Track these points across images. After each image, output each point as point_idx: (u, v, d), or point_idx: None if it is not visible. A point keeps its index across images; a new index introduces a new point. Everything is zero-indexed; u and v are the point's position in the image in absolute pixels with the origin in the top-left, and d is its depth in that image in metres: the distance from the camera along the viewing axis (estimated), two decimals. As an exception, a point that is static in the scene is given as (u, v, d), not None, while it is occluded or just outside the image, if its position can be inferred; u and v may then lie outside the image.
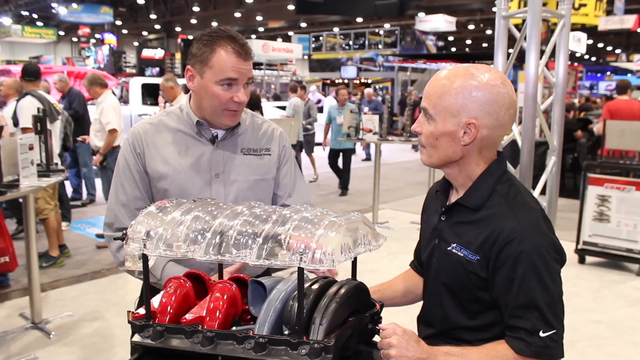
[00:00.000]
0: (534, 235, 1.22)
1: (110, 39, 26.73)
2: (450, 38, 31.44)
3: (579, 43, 18.10)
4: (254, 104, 8.65)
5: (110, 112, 5.39)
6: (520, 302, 1.20)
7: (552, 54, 3.59)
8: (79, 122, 6.47)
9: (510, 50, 3.61)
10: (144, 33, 34.14)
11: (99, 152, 5.45)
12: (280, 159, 1.77)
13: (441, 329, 1.38)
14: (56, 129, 5.24)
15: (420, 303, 1.52)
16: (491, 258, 1.24)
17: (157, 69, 22.61)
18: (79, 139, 6.44)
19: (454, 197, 1.38)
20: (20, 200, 3.85)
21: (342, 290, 1.15)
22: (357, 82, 27.64)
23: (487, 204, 1.29)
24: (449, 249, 1.32)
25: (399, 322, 1.21)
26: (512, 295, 1.21)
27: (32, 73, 5.23)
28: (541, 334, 1.18)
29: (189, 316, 1.16)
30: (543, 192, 3.66)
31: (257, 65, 20.90)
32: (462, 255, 1.29)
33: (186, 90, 7.04)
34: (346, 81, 28.02)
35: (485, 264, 1.25)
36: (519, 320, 1.21)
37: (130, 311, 1.19)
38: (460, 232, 1.32)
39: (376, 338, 1.28)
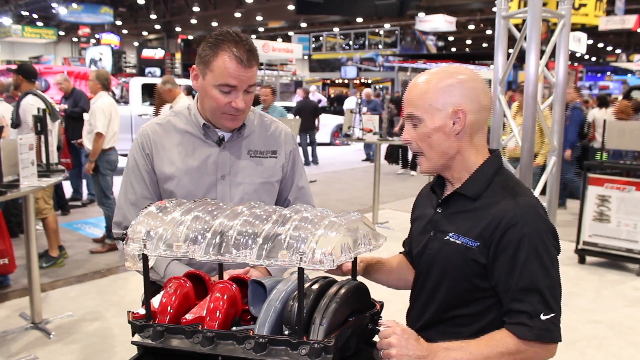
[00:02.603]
0: (535, 220, 1.25)
1: (112, 39, 26.71)
2: (450, 38, 31.42)
3: (579, 43, 18.10)
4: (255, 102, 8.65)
5: (99, 115, 5.09)
6: (522, 285, 1.22)
7: (552, 54, 3.59)
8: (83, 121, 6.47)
9: (510, 50, 3.61)
10: (144, 33, 34.12)
11: (88, 160, 5.21)
12: (287, 162, 1.76)
13: (433, 320, 1.39)
14: (55, 129, 5.24)
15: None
16: (493, 243, 1.26)
17: (159, 70, 22.61)
18: (75, 142, 6.43)
19: (449, 191, 1.40)
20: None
21: (342, 290, 1.15)
22: (357, 82, 27.64)
23: (485, 193, 1.32)
24: (446, 238, 1.34)
25: (398, 320, 1.21)
26: (514, 278, 1.23)
27: (34, 74, 5.26)
28: (542, 317, 1.21)
29: (189, 316, 1.17)
30: (543, 192, 3.66)
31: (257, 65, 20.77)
32: (460, 243, 1.31)
33: (187, 91, 7.02)
34: (346, 81, 28.05)
35: (486, 250, 1.27)
36: (521, 304, 1.22)
37: (130, 311, 1.19)
38: (457, 221, 1.34)
39: (376, 338, 1.28)
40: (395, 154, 10.86)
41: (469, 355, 1.19)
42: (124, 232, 1.20)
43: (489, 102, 1.36)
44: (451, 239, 1.32)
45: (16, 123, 5.01)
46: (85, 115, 5.79)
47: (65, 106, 6.75)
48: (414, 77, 1.39)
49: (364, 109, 11.41)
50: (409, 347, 1.15)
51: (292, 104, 15.46)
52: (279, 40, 27.59)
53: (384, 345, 1.17)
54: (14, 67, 12.41)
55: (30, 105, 4.81)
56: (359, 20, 25.31)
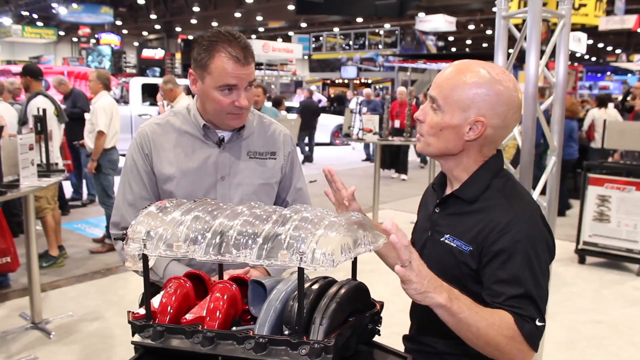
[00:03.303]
0: (529, 227, 1.23)
1: (113, 39, 26.71)
2: (451, 38, 31.41)
3: (579, 43, 18.10)
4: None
5: (100, 114, 5.12)
6: (516, 293, 1.19)
7: (552, 54, 3.59)
8: (83, 122, 6.47)
9: (510, 50, 3.60)
10: (144, 33, 34.11)
11: (90, 159, 5.24)
12: (286, 164, 1.76)
13: (429, 321, 1.37)
14: (60, 130, 5.27)
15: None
16: (484, 248, 1.24)
17: (158, 70, 22.62)
18: (77, 144, 6.42)
19: (449, 191, 1.39)
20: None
21: (342, 291, 1.15)
22: (357, 82, 27.64)
23: (482, 197, 1.30)
24: (441, 239, 1.33)
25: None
26: (506, 286, 1.20)
27: (40, 72, 5.29)
28: (537, 323, 1.18)
29: (189, 316, 1.17)
30: (543, 192, 3.66)
31: (257, 66, 20.78)
32: (454, 245, 1.29)
33: (188, 90, 7.02)
34: (346, 81, 28.04)
35: (478, 255, 1.25)
36: (518, 309, 1.19)
37: (130, 311, 1.19)
38: (454, 223, 1.32)
39: (376, 338, 1.28)
40: (389, 159, 10.46)
41: (474, 314, 1.14)
42: (124, 232, 1.20)
43: (515, 122, 1.30)
44: (446, 241, 1.31)
45: (23, 121, 5.08)
46: (86, 115, 5.80)
47: (64, 106, 6.75)
48: (456, 62, 1.30)
49: (364, 109, 11.42)
50: (426, 273, 1.10)
51: (292, 103, 15.57)
52: (279, 40, 27.59)
53: (406, 258, 1.07)
54: (14, 67, 12.41)
55: (39, 106, 4.83)
56: (359, 20, 25.30)
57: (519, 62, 10.44)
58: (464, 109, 1.25)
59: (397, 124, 8.68)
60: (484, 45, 33.00)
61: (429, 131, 1.30)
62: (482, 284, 1.26)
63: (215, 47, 1.51)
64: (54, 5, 24.36)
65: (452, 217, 1.34)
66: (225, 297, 1.15)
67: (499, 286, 1.21)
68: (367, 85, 24.93)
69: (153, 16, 28.04)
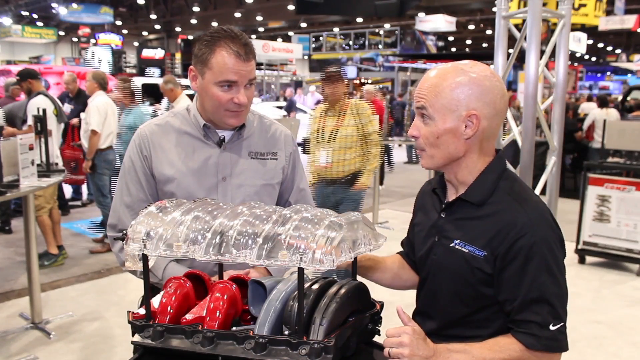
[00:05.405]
0: (544, 229, 1.23)
1: (113, 38, 26.73)
2: (450, 38, 31.41)
3: (579, 43, 18.12)
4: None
5: (93, 113, 5.12)
6: (532, 297, 1.21)
7: (552, 54, 3.59)
8: None
9: (510, 50, 3.60)
10: (144, 33, 34.13)
11: (85, 159, 5.23)
12: (287, 164, 1.75)
13: (439, 326, 1.37)
14: (59, 130, 5.26)
15: (413, 296, 1.51)
16: (500, 253, 1.24)
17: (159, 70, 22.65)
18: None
19: (452, 194, 1.37)
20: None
21: (342, 291, 1.15)
22: (357, 82, 27.64)
23: (490, 200, 1.29)
24: (451, 245, 1.31)
25: (399, 322, 1.21)
26: (522, 289, 1.21)
27: (37, 73, 5.30)
28: (551, 327, 1.19)
29: (189, 316, 1.17)
30: (543, 192, 3.66)
31: (257, 66, 20.77)
32: (466, 251, 1.28)
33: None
34: (346, 81, 28.02)
35: (493, 260, 1.25)
36: (530, 314, 1.20)
37: (130, 311, 1.19)
38: (463, 228, 1.31)
39: (376, 338, 1.28)
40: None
41: (472, 358, 1.18)
42: (124, 232, 1.20)
43: (505, 107, 1.30)
44: (457, 247, 1.30)
45: (23, 119, 5.09)
46: (82, 115, 5.81)
47: (71, 106, 6.71)
48: (431, 71, 1.32)
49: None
50: (419, 347, 1.14)
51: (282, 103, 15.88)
52: (279, 40, 27.61)
53: (394, 344, 1.14)
54: (14, 67, 12.42)
55: (39, 105, 4.84)
56: (359, 20, 25.31)
57: (519, 62, 10.46)
58: (453, 110, 1.25)
59: None
60: (484, 45, 33.01)
61: (426, 142, 1.30)
62: (496, 287, 1.26)
63: (216, 43, 1.51)
64: (54, 5, 24.36)
65: (460, 221, 1.33)
66: (225, 297, 1.15)
67: (515, 290, 1.23)
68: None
69: (153, 16, 28.04)
